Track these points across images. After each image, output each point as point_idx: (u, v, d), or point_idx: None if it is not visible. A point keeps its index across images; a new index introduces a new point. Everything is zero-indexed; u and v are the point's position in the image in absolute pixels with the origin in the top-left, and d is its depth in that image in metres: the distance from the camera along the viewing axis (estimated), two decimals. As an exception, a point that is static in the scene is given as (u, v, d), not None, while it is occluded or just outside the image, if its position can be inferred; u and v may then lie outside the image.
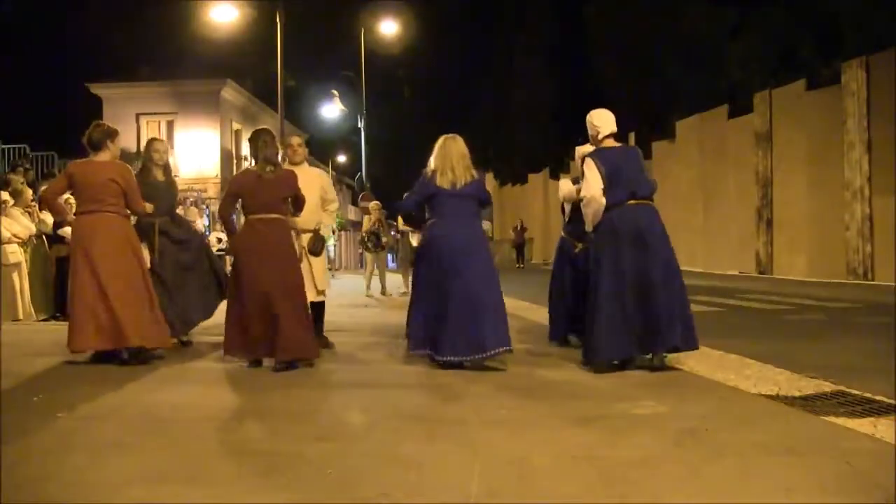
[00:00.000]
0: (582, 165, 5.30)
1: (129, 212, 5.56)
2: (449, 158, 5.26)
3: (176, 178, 6.66)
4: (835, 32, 22.08)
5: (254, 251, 5.20)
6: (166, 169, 6.46)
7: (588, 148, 5.47)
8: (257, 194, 5.26)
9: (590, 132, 5.32)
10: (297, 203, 5.53)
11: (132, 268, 5.39)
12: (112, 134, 5.53)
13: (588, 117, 5.32)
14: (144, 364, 5.22)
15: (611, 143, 5.23)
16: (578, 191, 5.53)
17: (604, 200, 4.99)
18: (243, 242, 5.34)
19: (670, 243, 5.08)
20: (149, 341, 5.33)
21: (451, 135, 5.39)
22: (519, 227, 31.37)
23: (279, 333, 5.03)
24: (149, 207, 5.78)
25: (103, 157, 5.45)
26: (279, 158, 5.56)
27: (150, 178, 6.25)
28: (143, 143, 7.05)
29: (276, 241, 5.26)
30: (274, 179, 5.27)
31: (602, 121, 5.25)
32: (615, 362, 4.93)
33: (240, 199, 5.39)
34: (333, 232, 6.45)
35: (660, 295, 4.85)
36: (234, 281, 5.36)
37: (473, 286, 5.07)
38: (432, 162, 5.31)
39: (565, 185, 6.22)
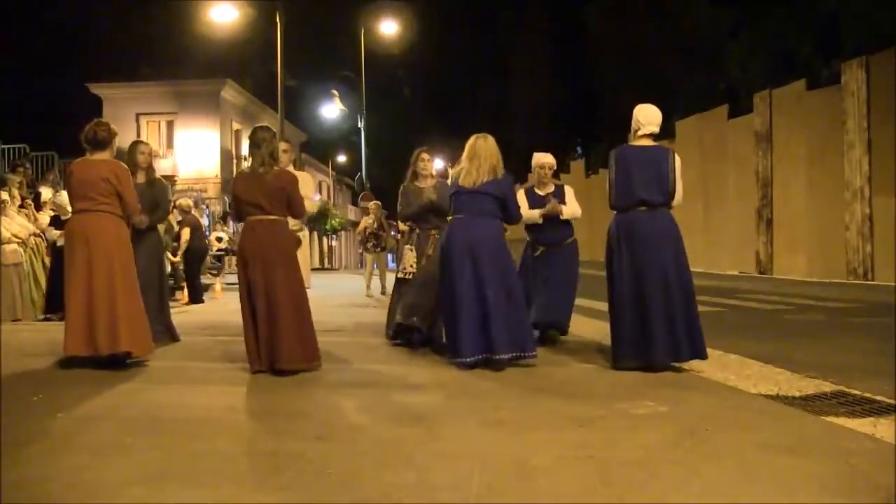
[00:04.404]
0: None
1: (122, 213, 5.38)
2: (473, 157, 5.23)
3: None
4: (835, 32, 22.13)
5: (254, 255, 5.05)
6: (149, 171, 6.42)
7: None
8: (253, 195, 5.11)
9: (632, 125, 5.18)
10: (293, 205, 5.32)
11: (122, 271, 5.22)
12: (116, 134, 5.49)
13: (634, 110, 5.14)
14: (125, 368, 5.08)
15: (645, 141, 5.10)
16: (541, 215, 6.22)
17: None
18: (243, 246, 5.17)
19: (683, 249, 5.00)
20: (136, 347, 5.18)
21: (482, 134, 5.34)
22: None
23: (279, 341, 4.89)
24: (140, 215, 5.67)
25: (102, 155, 5.35)
26: (275, 157, 5.31)
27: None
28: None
29: (275, 244, 5.08)
30: (270, 179, 5.10)
31: (645, 117, 5.08)
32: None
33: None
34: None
35: (667, 304, 4.81)
36: (239, 288, 5.21)
37: (487, 286, 5.00)
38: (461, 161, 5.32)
39: (528, 213, 6.20)
